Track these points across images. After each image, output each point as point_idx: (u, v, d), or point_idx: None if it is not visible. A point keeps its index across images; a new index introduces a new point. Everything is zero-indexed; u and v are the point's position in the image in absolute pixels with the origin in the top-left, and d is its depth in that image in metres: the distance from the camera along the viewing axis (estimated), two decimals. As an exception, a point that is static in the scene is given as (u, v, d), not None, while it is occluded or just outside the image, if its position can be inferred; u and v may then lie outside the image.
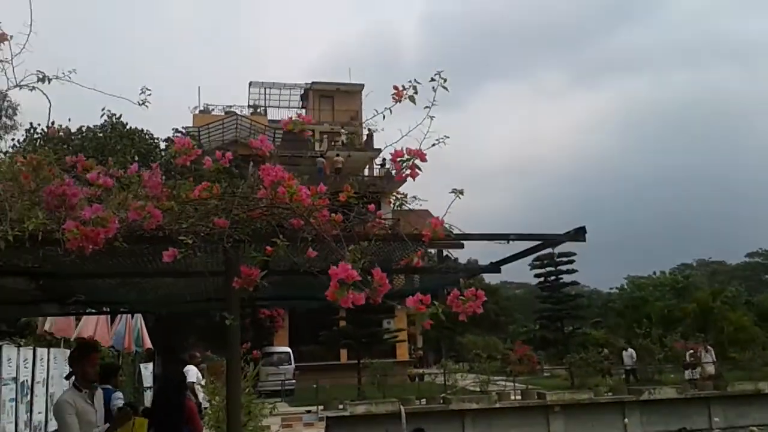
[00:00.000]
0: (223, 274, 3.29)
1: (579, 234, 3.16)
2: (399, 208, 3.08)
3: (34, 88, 3.45)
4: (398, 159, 3.00)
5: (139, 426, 4.93)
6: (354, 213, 3.09)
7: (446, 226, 2.96)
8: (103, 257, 3.61)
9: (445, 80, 2.91)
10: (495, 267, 4.07)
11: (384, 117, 3.07)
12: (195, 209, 3.26)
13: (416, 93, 3.01)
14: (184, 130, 26.52)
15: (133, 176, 3.28)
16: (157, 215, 3.01)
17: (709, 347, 26.41)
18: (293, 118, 3.46)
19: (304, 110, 43.26)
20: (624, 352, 28.27)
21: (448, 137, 2.92)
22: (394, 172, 2.91)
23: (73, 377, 4.62)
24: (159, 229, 3.04)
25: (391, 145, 3.05)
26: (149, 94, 3.43)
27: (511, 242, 2.94)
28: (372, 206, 3.17)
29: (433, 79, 2.92)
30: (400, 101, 3.10)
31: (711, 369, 25.35)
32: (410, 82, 3.02)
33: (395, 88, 3.13)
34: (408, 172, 2.99)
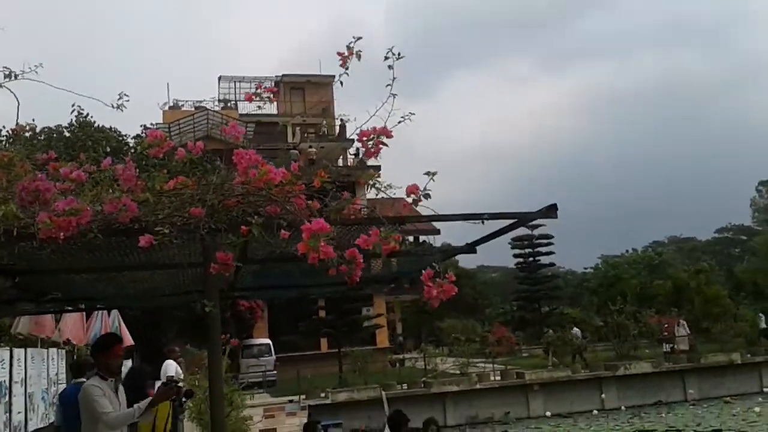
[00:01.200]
0: (200, 265, 3.31)
1: (551, 211, 3.23)
2: (373, 189, 3.12)
3: (1, 85, 3.41)
4: (365, 138, 3.05)
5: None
6: (329, 197, 3.12)
7: (421, 194, 3.01)
8: (79, 252, 3.61)
9: (399, 54, 2.95)
10: (471, 248, 4.14)
11: (342, 83, 3.10)
12: (170, 200, 3.28)
13: (361, 52, 3.03)
14: (153, 127, 26.25)
15: (106, 170, 3.27)
16: (133, 207, 3.02)
17: (682, 321, 26.97)
18: (257, 91, 3.50)
19: (275, 103, 43.27)
20: (570, 331, 28.80)
21: (413, 114, 2.98)
22: (362, 150, 2.95)
23: (96, 369, 4.56)
24: (134, 221, 3.05)
25: (359, 127, 3.10)
26: (127, 100, 3.42)
27: (486, 223, 3.00)
28: (346, 193, 3.21)
29: (386, 57, 2.96)
30: (347, 67, 3.12)
31: (685, 342, 25.92)
32: (352, 39, 3.04)
33: (339, 54, 3.15)
34: (374, 149, 3.05)
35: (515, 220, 3.10)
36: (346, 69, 3.01)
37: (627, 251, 56.37)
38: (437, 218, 3.06)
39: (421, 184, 3.00)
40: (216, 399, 3.77)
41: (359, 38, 3.00)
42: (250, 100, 3.42)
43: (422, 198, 3.04)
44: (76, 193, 3.11)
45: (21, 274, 3.99)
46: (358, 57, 2.98)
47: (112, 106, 3.43)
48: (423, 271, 3.09)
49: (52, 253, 3.42)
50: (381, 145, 2.95)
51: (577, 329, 29.07)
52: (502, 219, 3.05)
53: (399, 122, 2.93)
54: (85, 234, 2.89)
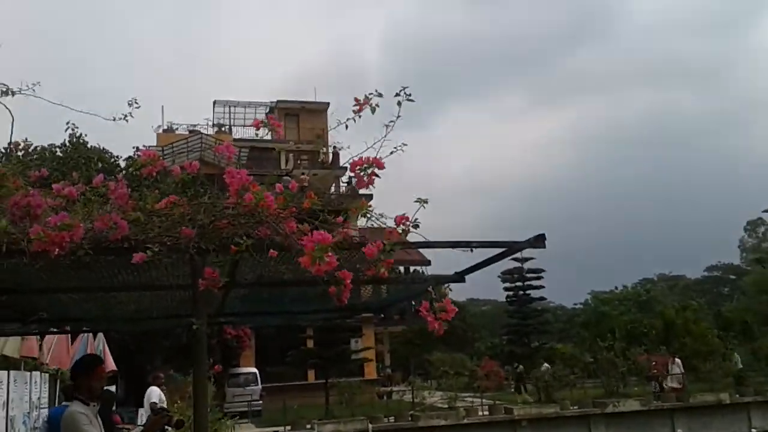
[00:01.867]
0: (189, 287, 3.30)
1: (539, 240, 3.25)
2: (364, 218, 3.15)
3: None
4: (357, 168, 3.09)
5: None
6: (320, 219, 3.14)
7: (411, 223, 3.03)
8: (68, 270, 3.60)
9: (410, 95, 3.01)
10: (459, 276, 4.13)
11: (347, 127, 3.16)
12: (161, 220, 3.28)
13: (378, 106, 3.10)
14: (146, 148, 26.29)
15: (99, 187, 3.28)
16: (123, 226, 3.02)
17: (677, 360, 26.85)
18: (262, 120, 3.57)
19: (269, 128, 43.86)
20: (540, 368, 29.10)
21: (405, 144, 3.02)
22: (354, 180, 3.00)
23: (76, 393, 4.32)
24: (125, 239, 3.05)
25: (353, 157, 3.14)
26: (137, 107, 3.46)
27: (474, 252, 3.02)
28: (340, 219, 3.23)
29: (398, 94, 3.02)
30: (360, 114, 3.20)
31: (677, 381, 25.84)
32: (373, 93, 3.11)
33: (356, 100, 3.22)
34: (367, 179, 3.08)
35: (504, 249, 3.11)
36: (358, 115, 3.09)
37: (616, 288, 56.38)
38: (426, 245, 3.07)
39: (412, 212, 3.04)
40: (200, 423, 3.73)
41: (380, 95, 3.08)
42: (257, 126, 3.49)
43: (411, 228, 3.06)
44: (67, 210, 3.11)
45: (8, 292, 3.96)
46: (372, 111, 3.07)
47: (115, 119, 3.46)
48: (413, 301, 3.11)
49: (39, 271, 3.40)
50: (374, 176, 2.98)
51: (547, 365, 29.11)
52: (491, 247, 3.08)
53: (391, 153, 2.98)
54: (75, 251, 2.89)
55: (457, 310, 3.05)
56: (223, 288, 3.35)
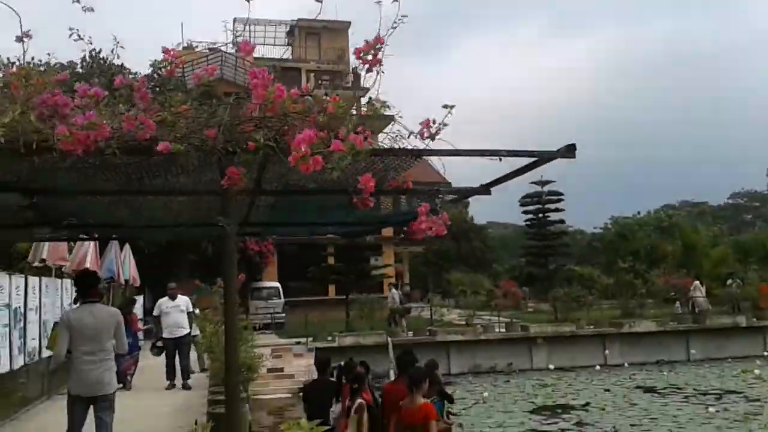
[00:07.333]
0: (216, 193, 3.32)
1: (570, 150, 3.19)
2: (378, 115, 3.15)
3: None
4: (361, 54, 3.05)
5: None
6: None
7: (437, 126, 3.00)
8: (96, 172, 3.62)
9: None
10: (485, 189, 4.07)
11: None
12: (187, 121, 3.26)
13: (400, 20, 3.01)
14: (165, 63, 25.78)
15: (122, 87, 3.24)
16: (150, 125, 3.00)
17: (697, 282, 27.05)
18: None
19: (290, 47, 43.85)
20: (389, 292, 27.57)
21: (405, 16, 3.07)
22: (362, 67, 3.01)
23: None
24: (152, 140, 3.04)
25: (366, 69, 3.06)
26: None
27: (502, 163, 2.98)
28: (362, 127, 3.19)
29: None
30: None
31: (704, 304, 26.16)
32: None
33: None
34: (372, 59, 3.05)
35: (535, 158, 3.05)
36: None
37: (638, 213, 56.06)
38: (454, 153, 3.02)
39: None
40: (230, 330, 3.81)
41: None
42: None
43: (439, 130, 3.01)
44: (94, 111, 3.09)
45: (38, 193, 4.01)
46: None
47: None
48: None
49: (69, 171, 3.43)
50: (378, 59, 2.97)
51: (396, 291, 25.07)
52: (521, 156, 3.02)
53: (393, 28, 2.95)
54: (103, 151, 2.90)
55: (445, 231, 3.06)
56: (249, 194, 3.33)
